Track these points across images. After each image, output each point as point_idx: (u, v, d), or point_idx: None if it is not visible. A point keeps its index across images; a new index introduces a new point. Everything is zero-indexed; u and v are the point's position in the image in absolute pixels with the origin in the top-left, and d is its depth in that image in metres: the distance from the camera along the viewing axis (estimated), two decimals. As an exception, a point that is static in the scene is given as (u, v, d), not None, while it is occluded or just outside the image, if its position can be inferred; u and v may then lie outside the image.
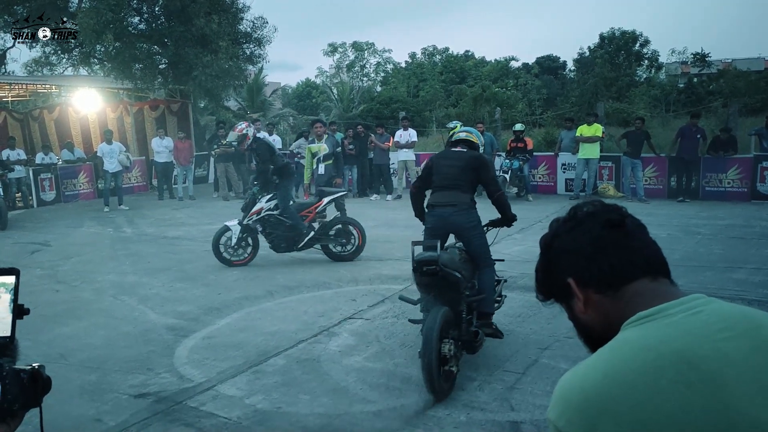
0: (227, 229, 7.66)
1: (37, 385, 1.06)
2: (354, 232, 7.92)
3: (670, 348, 0.96)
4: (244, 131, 7.76)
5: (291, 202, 7.82)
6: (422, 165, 5.32)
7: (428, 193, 4.79)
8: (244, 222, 7.60)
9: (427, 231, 4.57)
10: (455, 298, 4.14)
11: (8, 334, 1.09)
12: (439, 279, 3.97)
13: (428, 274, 3.93)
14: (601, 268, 1.10)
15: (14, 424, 1.04)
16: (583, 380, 0.98)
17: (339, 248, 7.91)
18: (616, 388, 0.94)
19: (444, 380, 3.87)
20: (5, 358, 1.06)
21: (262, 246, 7.84)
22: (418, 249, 4.18)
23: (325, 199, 7.90)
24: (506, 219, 4.67)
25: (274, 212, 7.62)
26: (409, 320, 4.64)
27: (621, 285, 1.09)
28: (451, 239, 4.78)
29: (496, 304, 4.74)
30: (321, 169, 8.47)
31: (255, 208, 7.60)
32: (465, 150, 4.69)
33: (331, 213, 8.12)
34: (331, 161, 8.56)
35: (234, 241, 7.63)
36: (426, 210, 4.69)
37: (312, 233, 7.74)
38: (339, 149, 9.19)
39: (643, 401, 0.92)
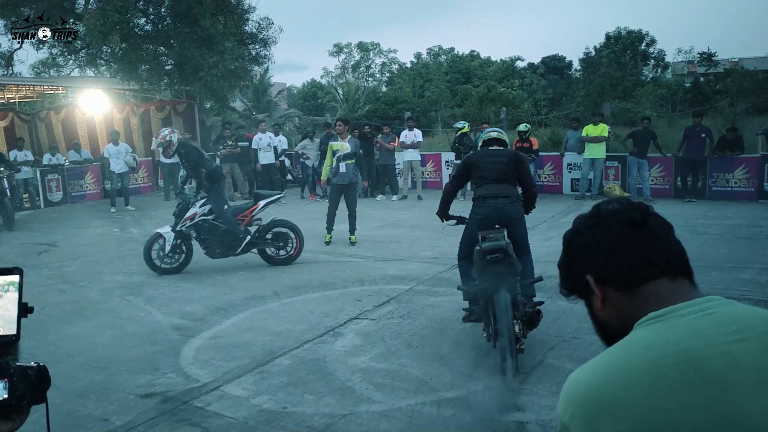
0: (159, 236, 7.43)
1: (44, 381, 1.07)
2: (291, 235, 7.75)
3: (675, 348, 0.96)
4: (168, 138, 7.58)
5: (225, 206, 7.58)
6: (460, 163, 5.60)
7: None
8: (178, 228, 7.36)
9: (477, 221, 4.78)
10: (512, 283, 4.35)
11: (14, 332, 1.10)
12: (503, 265, 4.25)
13: (493, 261, 4.23)
14: (619, 266, 1.10)
15: (20, 420, 1.06)
16: (588, 377, 1.00)
17: (276, 252, 7.76)
18: (617, 387, 0.95)
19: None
20: (9, 356, 1.07)
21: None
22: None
23: (261, 203, 7.70)
24: (526, 213, 4.99)
25: (209, 217, 7.40)
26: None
27: (639, 284, 1.08)
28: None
29: None
30: (342, 168, 8.44)
31: (188, 214, 7.36)
32: (503, 148, 5.00)
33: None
34: (352, 161, 8.53)
35: (168, 248, 7.38)
36: (474, 202, 4.90)
37: (248, 237, 7.55)
38: (361, 150, 9.09)
39: (643, 400, 0.92)
